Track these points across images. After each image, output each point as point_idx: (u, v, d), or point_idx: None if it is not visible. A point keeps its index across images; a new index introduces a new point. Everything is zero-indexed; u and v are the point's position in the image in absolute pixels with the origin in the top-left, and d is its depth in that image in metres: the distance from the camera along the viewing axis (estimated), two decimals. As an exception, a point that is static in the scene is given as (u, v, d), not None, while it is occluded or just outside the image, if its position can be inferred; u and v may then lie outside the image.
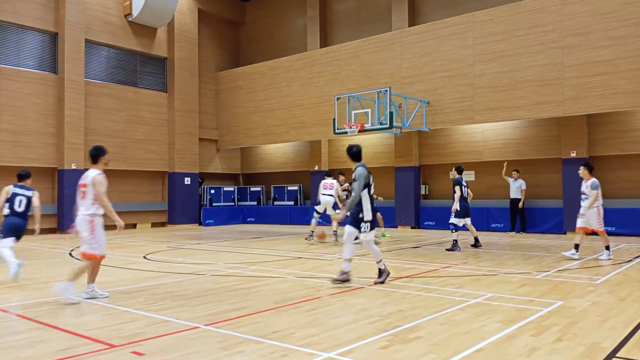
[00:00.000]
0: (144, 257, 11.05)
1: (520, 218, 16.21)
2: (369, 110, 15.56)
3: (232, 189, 23.87)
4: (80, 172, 18.27)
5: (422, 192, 19.08)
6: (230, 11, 24.06)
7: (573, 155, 15.55)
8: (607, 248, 9.87)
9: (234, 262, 10.07)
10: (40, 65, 18.24)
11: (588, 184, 9.88)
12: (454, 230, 11.66)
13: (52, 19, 18.38)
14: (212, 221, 21.99)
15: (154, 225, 21.38)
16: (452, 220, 11.66)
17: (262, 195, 23.72)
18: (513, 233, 16.10)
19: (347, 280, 7.20)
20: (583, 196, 9.95)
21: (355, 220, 7.30)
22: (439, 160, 18.67)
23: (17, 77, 17.45)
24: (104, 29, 19.66)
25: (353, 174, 7.52)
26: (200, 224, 22.11)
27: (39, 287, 7.55)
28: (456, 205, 11.53)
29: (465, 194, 11.79)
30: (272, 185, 23.58)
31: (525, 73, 15.08)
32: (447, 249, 11.67)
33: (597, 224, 9.79)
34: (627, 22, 13.60)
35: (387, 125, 15.16)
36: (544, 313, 5.53)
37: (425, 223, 18.38)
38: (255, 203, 23.62)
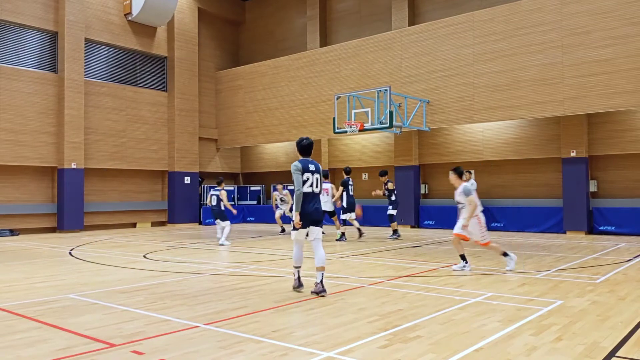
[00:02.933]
0: (144, 256, 11.05)
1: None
2: (369, 109, 15.56)
3: (232, 188, 23.87)
4: (80, 172, 18.33)
5: (422, 191, 19.09)
6: (230, 10, 24.05)
7: (573, 154, 15.55)
8: (506, 255, 8.50)
9: (234, 261, 10.07)
10: (40, 65, 18.23)
11: (460, 191, 8.50)
12: (343, 225, 13.84)
13: (52, 18, 18.38)
14: (212, 220, 21.96)
15: (153, 224, 21.38)
16: (342, 216, 13.85)
17: (262, 194, 23.72)
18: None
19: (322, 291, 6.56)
20: (459, 205, 8.63)
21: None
22: (438, 159, 18.68)
23: (17, 76, 17.44)
24: (103, 28, 19.66)
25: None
26: (200, 223, 22.11)
27: (39, 286, 7.55)
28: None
29: (351, 192, 13.86)
30: (272, 185, 23.57)
31: (525, 72, 15.09)
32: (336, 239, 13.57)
33: (480, 236, 8.45)
34: (626, 21, 13.60)
35: (387, 125, 15.15)
36: (544, 312, 5.54)
37: (425, 222, 18.38)
38: (255, 202, 23.62)
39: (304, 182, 6.58)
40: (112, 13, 19.97)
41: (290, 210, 14.20)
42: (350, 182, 14.05)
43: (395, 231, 14.42)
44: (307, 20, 21.96)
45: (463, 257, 8.63)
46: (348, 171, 14.36)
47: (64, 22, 18.25)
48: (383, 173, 14.75)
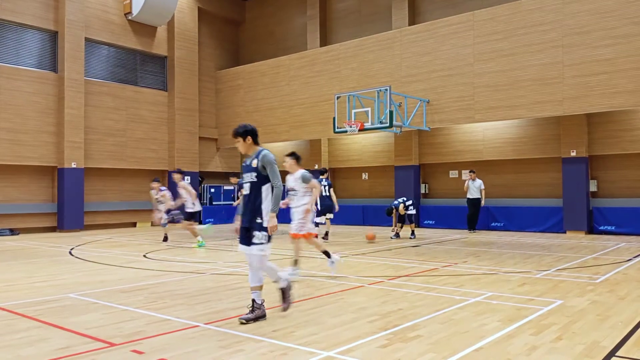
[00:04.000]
0: (144, 255, 11.05)
1: (472, 215, 16.24)
2: (369, 109, 15.56)
3: (232, 187, 23.86)
4: (80, 171, 18.33)
5: (422, 191, 19.09)
6: (231, 10, 24.05)
7: (573, 154, 15.55)
8: (328, 255, 7.96)
9: (234, 260, 10.07)
10: (40, 64, 18.23)
11: (297, 177, 7.96)
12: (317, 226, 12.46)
13: (52, 18, 18.37)
14: (212, 220, 21.99)
15: (154, 224, 21.35)
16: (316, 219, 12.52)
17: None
18: (477, 232, 16.21)
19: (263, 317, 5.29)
20: (291, 193, 8.04)
21: (249, 228, 5.30)
22: (438, 159, 18.68)
23: (17, 76, 17.44)
24: (103, 28, 19.65)
25: (256, 162, 5.31)
26: (200, 222, 22.09)
27: (39, 285, 7.55)
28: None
29: (325, 193, 13.28)
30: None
31: (526, 72, 15.08)
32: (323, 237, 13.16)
33: (296, 227, 7.77)
34: (627, 21, 13.60)
35: (387, 124, 15.15)
36: (544, 312, 5.54)
37: (425, 222, 18.37)
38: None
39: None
40: (112, 12, 19.96)
41: (168, 212, 13.78)
42: (324, 183, 13.32)
43: (400, 234, 14.69)
44: (307, 20, 21.95)
45: (295, 262, 7.79)
46: (323, 171, 13.85)
47: (64, 22, 18.24)
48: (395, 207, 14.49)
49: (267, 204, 5.28)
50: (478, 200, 16.14)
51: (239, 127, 5.41)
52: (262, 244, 5.23)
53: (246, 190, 5.36)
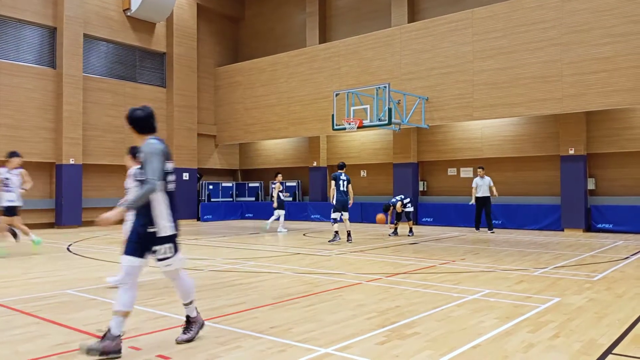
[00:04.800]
0: (142, 252, 11.02)
1: (487, 215, 15.21)
2: (368, 106, 15.56)
3: (230, 184, 23.86)
4: (78, 167, 18.31)
5: (421, 188, 19.10)
6: (230, 6, 24.00)
7: (571, 152, 15.56)
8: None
9: (232, 257, 10.07)
10: (39, 60, 18.19)
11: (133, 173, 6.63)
12: (334, 223, 12.69)
13: (50, 14, 18.32)
14: (211, 217, 21.99)
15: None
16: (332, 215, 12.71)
17: (261, 191, 23.73)
18: (482, 231, 15.42)
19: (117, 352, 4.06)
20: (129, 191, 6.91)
21: (141, 237, 4.28)
22: (437, 156, 18.68)
23: (16, 72, 17.40)
24: (102, 24, 19.60)
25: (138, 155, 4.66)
26: (198, 219, 22.10)
27: (37, 282, 7.55)
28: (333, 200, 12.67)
29: (343, 188, 12.65)
30: (270, 181, 23.58)
31: (525, 70, 15.08)
32: (329, 241, 12.59)
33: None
34: (626, 19, 13.60)
35: (386, 122, 15.15)
36: (541, 309, 5.55)
37: (424, 219, 18.38)
38: (253, 199, 23.62)
39: (167, 175, 4.41)
40: (111, 9, 19.91)
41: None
42: (343, 178, 12.67)
43: (398, 231, 14.76)
44: (307, 17, 21.92)
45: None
46: (342, 166, 13.08)
47: (63, 18, 18.19)
48: (387, 208, 14.31)
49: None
50: (488, 198, 15.20)
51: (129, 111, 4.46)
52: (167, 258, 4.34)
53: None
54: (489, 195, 15.26)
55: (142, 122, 4.44)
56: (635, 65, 13.44)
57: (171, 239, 4.32)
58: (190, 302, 4.52)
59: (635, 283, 7.10)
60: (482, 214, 15.43)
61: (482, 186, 15.27)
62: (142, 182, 4.28)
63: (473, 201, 15.38)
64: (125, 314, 4.17)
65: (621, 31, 13.64)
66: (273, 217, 16.22)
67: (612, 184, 15.69)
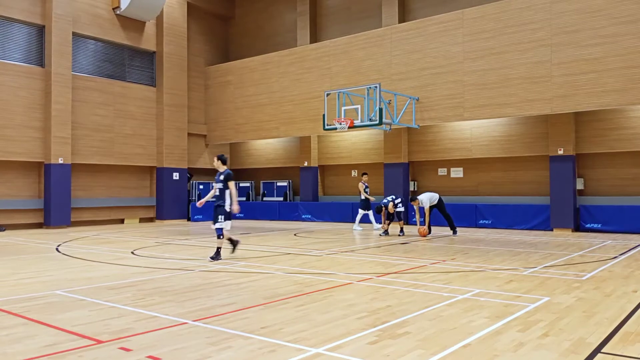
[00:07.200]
0: (132, 252, 10.98)
1: (448, 217, 14.84)
2: (359, 106, 15.57)
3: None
4: (67, 167, 18.17)
5: (411, 188, 19.14)
6: (220, 5, 23.91)
7: (560, 152, 15.68)
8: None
9: (223, 257, 10.03)
10: (27, 58, 18.02)
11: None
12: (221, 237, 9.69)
13: (39, 12, 18.16)
14: (201, 217, 21.91)
15: (142, 220, 21.26)
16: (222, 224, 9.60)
17: (251, 191, 23.68)
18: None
19: None
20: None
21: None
22: (428, 156, 18.74)
23: (3, 70, 17.23)
24: (91, 22, 19.46)
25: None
26: (188, 219, 22.01)
27: (25, 282, 7.48)
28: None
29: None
30: (261, 181, 23.55)
31: (515, 70, 15.17)
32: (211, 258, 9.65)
33: None
34: (615, 20, 13.72)
35: (377, 122, 15.17)
36: (531, 309, 5.58)
37: (414, 219, 18.41)
38: (244, 199, 23.55)
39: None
40: (100, 7, 19.77)
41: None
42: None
43: (389, 231, 14.87)
44: (297, 16, 21.91)
45: None
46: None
47: (51, 16, 18.04)
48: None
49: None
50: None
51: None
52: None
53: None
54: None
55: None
56: (624, 66, 13.56)
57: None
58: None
59: (624, 282, 7.16)
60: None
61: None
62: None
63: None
64: None
65: (610, 32, 13.76)
66: (358, 217, 16.93)
67: (600, 184, 15.83)
